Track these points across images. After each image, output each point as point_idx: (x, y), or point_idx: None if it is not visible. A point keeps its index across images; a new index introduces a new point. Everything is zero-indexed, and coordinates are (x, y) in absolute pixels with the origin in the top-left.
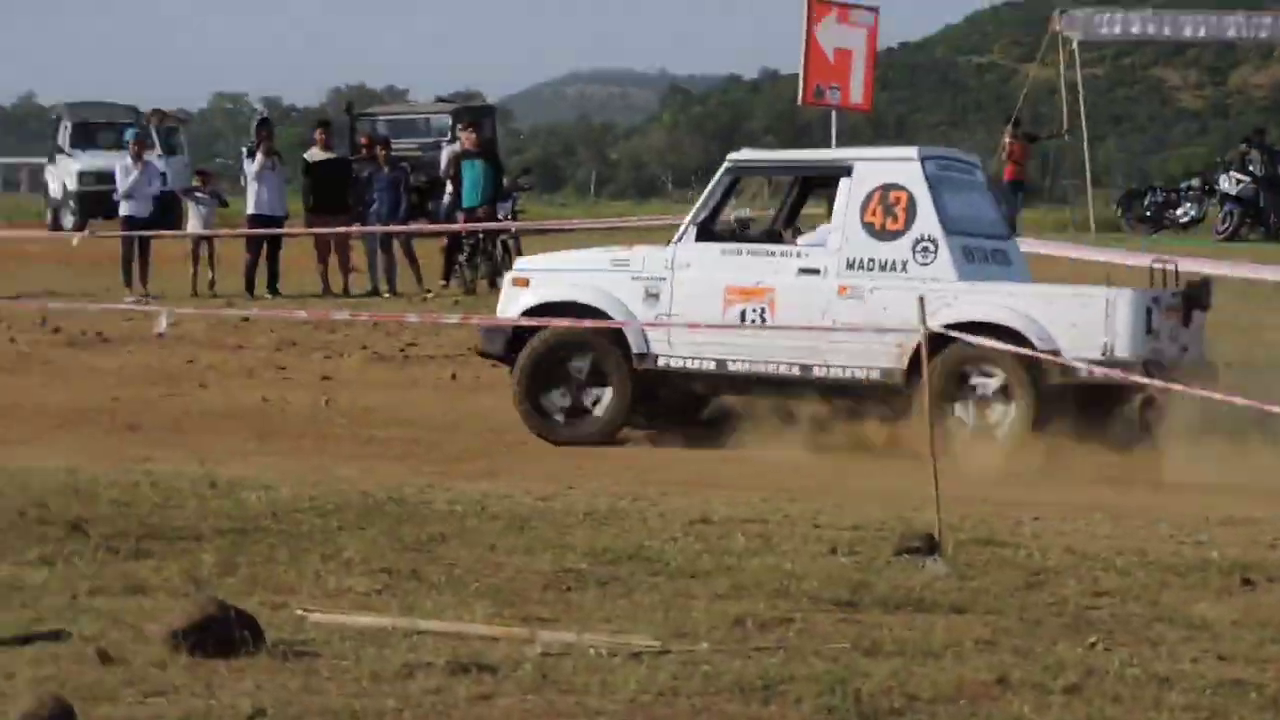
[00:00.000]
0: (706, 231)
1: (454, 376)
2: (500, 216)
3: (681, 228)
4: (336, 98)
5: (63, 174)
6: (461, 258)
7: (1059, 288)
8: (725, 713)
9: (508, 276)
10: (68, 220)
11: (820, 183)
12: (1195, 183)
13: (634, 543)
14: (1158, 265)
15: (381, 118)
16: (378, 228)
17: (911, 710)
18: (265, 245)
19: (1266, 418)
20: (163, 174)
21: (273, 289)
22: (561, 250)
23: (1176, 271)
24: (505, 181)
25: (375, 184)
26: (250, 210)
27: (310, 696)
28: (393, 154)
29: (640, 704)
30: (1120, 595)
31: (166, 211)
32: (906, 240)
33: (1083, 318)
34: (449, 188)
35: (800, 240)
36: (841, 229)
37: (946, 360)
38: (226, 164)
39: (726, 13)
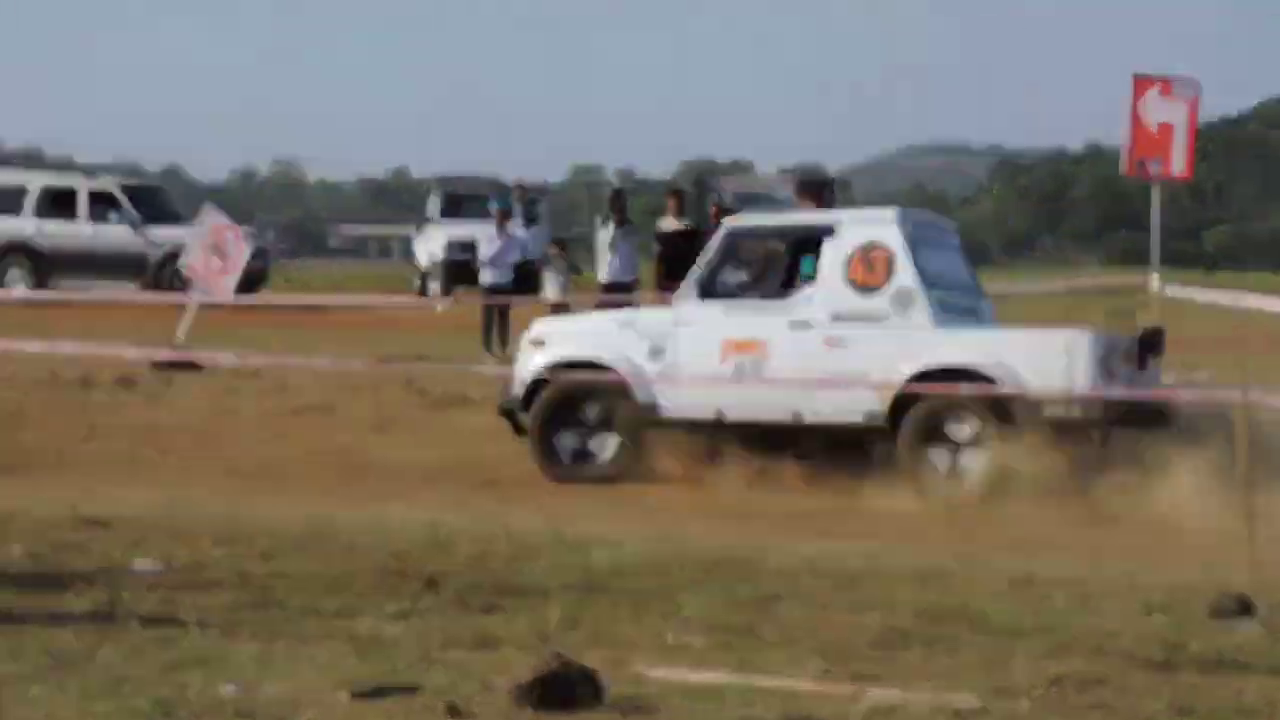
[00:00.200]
0: (707, 291)
1: None
2: None
3: (682, 287)
4: (687, 169)
5: (430, 243)
6: None
7: (1024, 330)
8: None
9: (524, 338)
10: (434, 287)
11: (811, 244)
12: None
13: (959, 602)
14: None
15: (729, 189)
16: None
17: None
18: None
19: None
20: (523, 244)
21: None
22: None
23: (1134, 319)
24: None
25: None
26: (603, 278)
27: None
28: None
29: None
30: None
31: (525, 279)
32: (886, 294)
33: (1045, 358)
34: None
35: (790, 298)
36: (827, 284)
37: (923, 406)
38: (583, 233)
39: (1055, 89)
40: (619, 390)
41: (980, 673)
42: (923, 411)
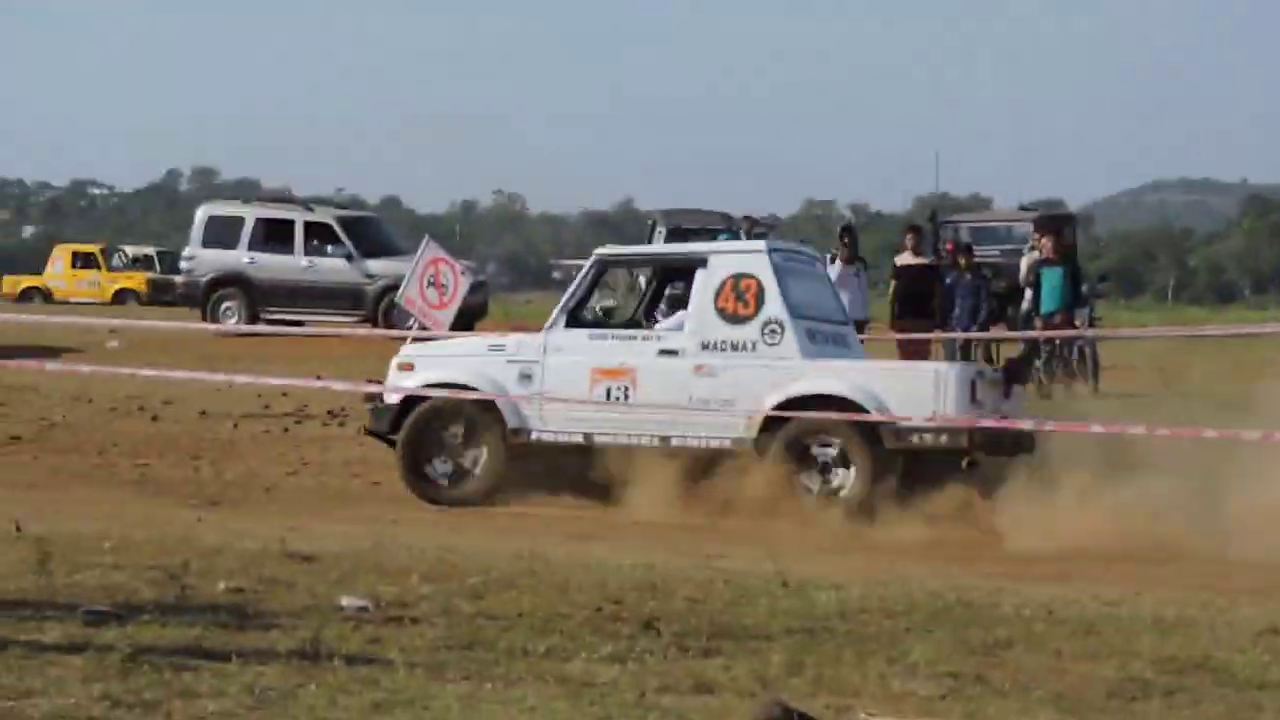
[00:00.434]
0: (574, 319)
1: None
2: (1077, 323)
3: (551, 316)
4: (921, 204)
5: None
6: (1039, 362)
7: (895, 363)
8: None
9: (393, 361)
10: None
11: (678, 274)
12: None
13: (1201, 652)
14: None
15: (964, 225)
16: (958, 333)
17: None
18: None
19: None
20: None
21: None
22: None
23: (998, 352)
24: (1084, 288)
25: (957, 290)
26: None
27: None
28: (975, 260)
29: None
30: None
31: None
32: (756, 323)
33: (914, 388)
34: (1028, 294)
35: (658, 326)
36: (697, 314)
37: (790, 432)
38: None
39: None
40: (485, 407)
41: None
42: (790, 434)
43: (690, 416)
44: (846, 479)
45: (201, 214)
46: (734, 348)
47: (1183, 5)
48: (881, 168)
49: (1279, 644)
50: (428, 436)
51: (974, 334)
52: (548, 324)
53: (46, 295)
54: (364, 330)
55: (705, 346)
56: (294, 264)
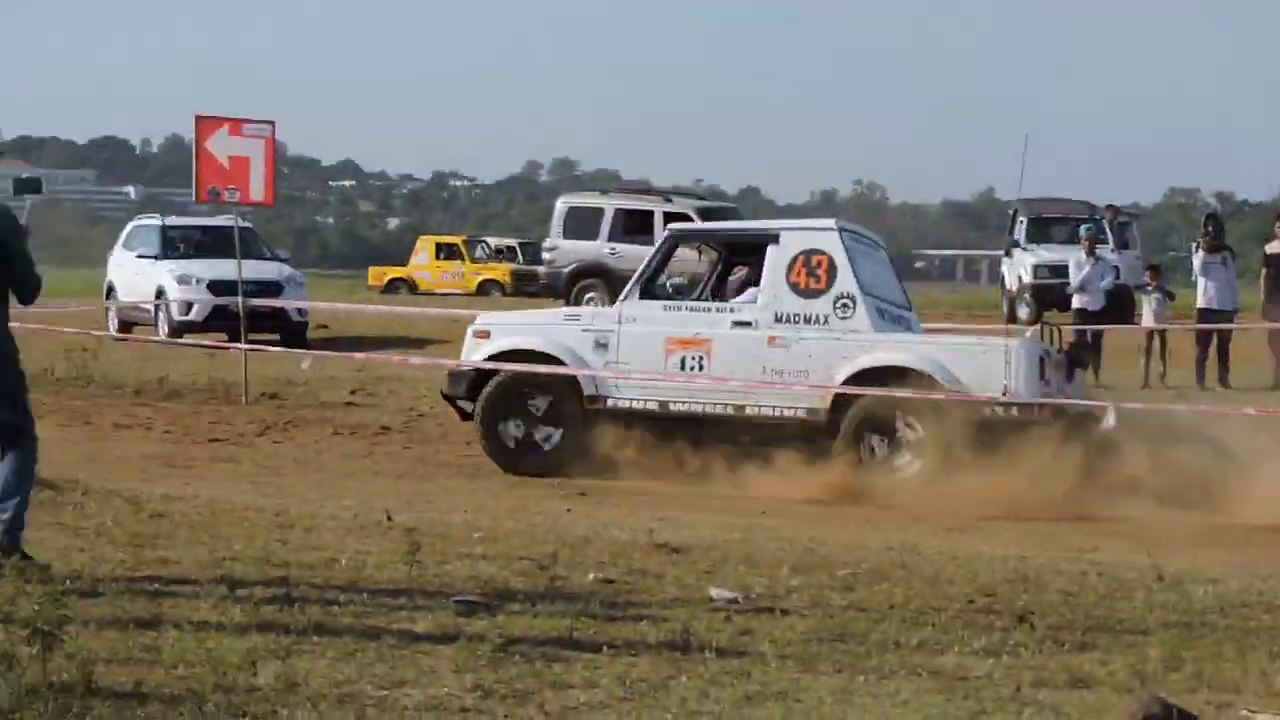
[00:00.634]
0: (648, 291)
1: None
2: None
3: (627, 288)
4: None
5: (1018, 267)
6: None
7: (966, 337)
8: None
9: (469, 330)
10: (1023, 311)
11: (748, 251)
12: None
13: None
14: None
15: None
16: None
17: None
18: (1215, 339)
19: None
20: (1115, 268)
21: (1223, 382)
22: None
23: (1061, 334)
24: None
25: None
26: (1199, 304)
27: None
28: None
29: None
30: None
31: (1119, 305)
32: (828, 298)
33: (985, 364)
34: None
35: (732, 299)
36: (770, 288)
37: (865, 403)
38: (1179, 258)
39: None
40: (565, 381)
41: None
42: (865, 406)
43: (764, 387)
44: (918, 451)
45: (561, 205)
46: (806, 321)
47: None
48: (1244, 156)
49: None
50: (506, 403)
51: None
52: (622, 295)
53: (412, 286)
54: None
55: (778, 319)
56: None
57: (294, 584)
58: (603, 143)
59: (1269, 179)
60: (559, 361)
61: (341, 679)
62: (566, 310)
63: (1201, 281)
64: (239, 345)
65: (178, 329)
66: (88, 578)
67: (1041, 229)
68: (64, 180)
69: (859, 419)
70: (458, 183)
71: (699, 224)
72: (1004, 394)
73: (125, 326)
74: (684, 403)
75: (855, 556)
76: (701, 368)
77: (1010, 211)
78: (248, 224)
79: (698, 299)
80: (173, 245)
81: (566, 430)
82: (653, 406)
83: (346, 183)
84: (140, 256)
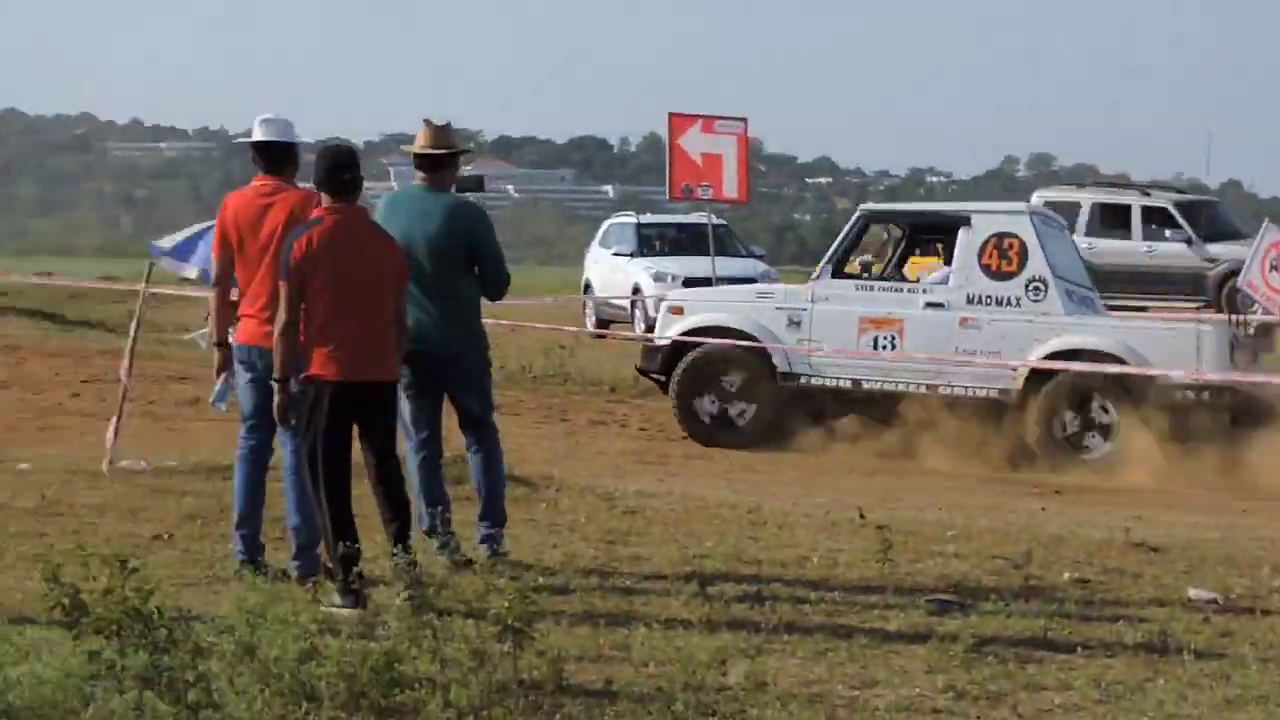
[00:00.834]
0: (839, 271)
1: None
2: None
3: (819, 267)
4: None
5: None
6: None
7: (1155, 320)
8: None
9: (663, 305)
10: None
11: (936, 232)
12: None
13: None
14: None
15: None
16: None
17: None
18: None
19: None
20: None
21: None
22: None
23: (1246, 320)
24: None
25: None
26: None
27: None
28: None
29: None
30: None
31: None
32: (1020, 280)
33: (1175, 346)
34: None
35: (922, 281)
36: (962, 269)
37: (1060, 384)
38: None
39: None
40: (758, 357)
41: None
42: (1060, 386)
43: (956, 367)
44: (1110, 431)
45: (1037, 200)
46: (998, 302)
47: None
48: None
49: None
50: (701, 379)
51: None
52: (814, 274)
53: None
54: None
55: (970, 300)
56: (1132, 249)
57: (765, 582)
58: (1080, 137)
59: None
60: (752, 338)
61: (811, 678)
62: (759, 287)
63: None
64: (713, 340)
65: (653, 325)
66: (561, 574)
67: None
68: (542, 180)
69: (1053, 398)
70: (934, 179)
71: (891, 205)
72: (1194, 375)
73: (602, 323)
74: (877, 381)
75: None
76: (893, 347)
77: None
78: (722, 221)
79: (880, 277)
80: (648, 242)
81: (760, 406)
82: (846, 384)
83: (823, 179)
84: (616, 254)
